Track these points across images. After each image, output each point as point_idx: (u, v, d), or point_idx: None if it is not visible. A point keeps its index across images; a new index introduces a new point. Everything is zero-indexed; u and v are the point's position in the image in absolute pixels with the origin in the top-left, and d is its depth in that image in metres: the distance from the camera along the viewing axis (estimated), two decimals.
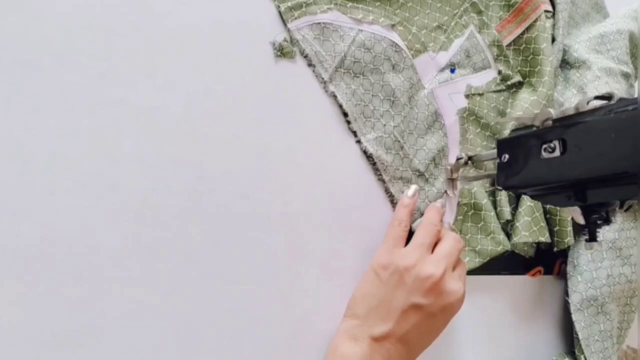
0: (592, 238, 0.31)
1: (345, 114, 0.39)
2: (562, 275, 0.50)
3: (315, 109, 0.39)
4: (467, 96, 0.45)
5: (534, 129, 0.33)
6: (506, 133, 0.45)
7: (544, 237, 0.45)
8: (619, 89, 0.50)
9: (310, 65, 0.38)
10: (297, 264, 0.36)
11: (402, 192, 0.41)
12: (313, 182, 0.38)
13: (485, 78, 0.47)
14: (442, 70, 0.44)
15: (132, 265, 0.31)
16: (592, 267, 0.48)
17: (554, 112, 0.31)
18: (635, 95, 0.53)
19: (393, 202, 0.41)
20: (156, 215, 0.32)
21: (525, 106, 0.46)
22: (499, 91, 0.48)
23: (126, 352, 0.30)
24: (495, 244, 0.43)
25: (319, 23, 0.38)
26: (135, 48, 0.32)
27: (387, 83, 0.41)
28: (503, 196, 0.45)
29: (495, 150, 0.36)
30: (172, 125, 0.33)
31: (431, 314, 0.34)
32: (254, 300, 0.35)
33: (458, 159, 0.42)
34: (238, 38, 0.36)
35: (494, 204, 0.45)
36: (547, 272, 0.50)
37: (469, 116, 0.45)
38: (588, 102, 0.29)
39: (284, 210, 0.36)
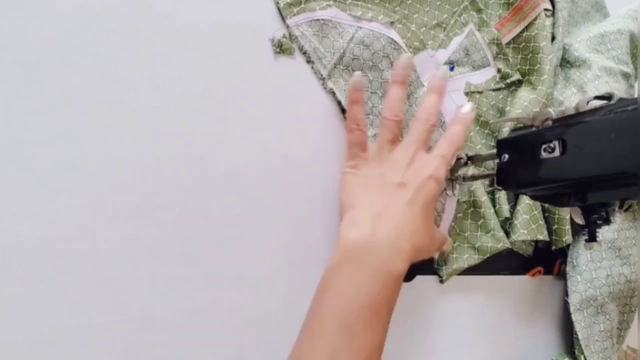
0: (592, 238, 0.31)
1: (343, 111, 0.39)
2: (562, 276, 0.50)
3: (314, 106, 0.38)
4: (466, 94, 0.45)
5: (534, 129, 0.33)
6: (506, 132, 0.45)
7: (542, 236, 0.45)
8: (619, 89, 0.50)
9: (309, 61, 0.38)
10: (297, 264, 0.36)
11: None
12: (313, 181, 0.38)
13: (485, 76, 0.47)
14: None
15: (132, 265, 0.31)
16: (591, 267, 0.48)
17: (553, 112, 0.31)
18: (635, 95, 0.53)
19: None
20: (156, 215, 0.32)
21: (525, 104, 0.46)
22: (499, 89, 0.48)
23: (126, 352, 0.30)
24: (495, 241, 0.43)
25: (318, 20, 0.38)
26: (135, 48, 0.32)
27: (385, 80, 0.40)
28: (502, 194, 0.45)
29: (495, 150, 0.36)
30: (172, 125, 0.33)
31: (416, 190, 0.34)
32: (254, 300, 0.35)
33: (458, 159, 0.42)
34: (238, 38, 0.36)
35: (493, 202, 0.45)
36: (547, 272, 0.50)
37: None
38: (588, 102, 0.29)
39: (284, 210, 0.36)
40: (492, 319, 0.47)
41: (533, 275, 0.49)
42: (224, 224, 0.34)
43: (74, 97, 0.30)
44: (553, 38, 0.51)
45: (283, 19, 0.37)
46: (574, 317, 0.48)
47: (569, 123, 0.30)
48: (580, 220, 0.31)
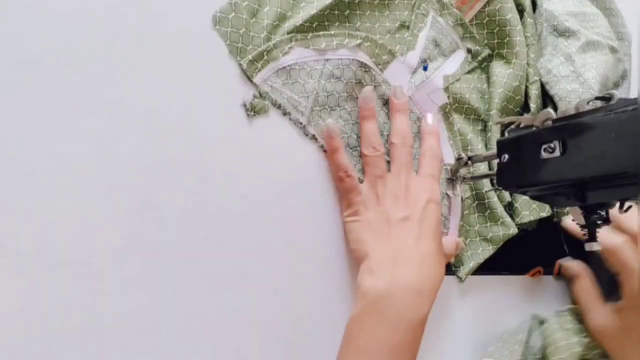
0: (592, 238, 0.31)
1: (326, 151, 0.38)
2: (562, 276, 0.50)
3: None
4: (445, 88, 0.45)
5: (534, 129, 0.33)
6: (496, 127, 0.45)
7: (545, 212, 0.45)
8: (607, 61, 0.49)
9: (285, 114, 0.37)
10: (297, 264, 0.36)
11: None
12: (313, 181, 0.38)
13: (457, 60, 0.46)
14: (415, 71, 0.44)
15: (132, 265, 0.31)
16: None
17: (553, 112, 0.31)
18: (634, 95, 0.53)
19: None
20: (156, 215, 0.32)
21: (504, 80, 0.46)
22: (473, 70, 0.47)
23: (126, 352, 0.30)
24: (505, 228, 0.43)
25: (284, 67, 0.37)
26: (135, 48, 0.32)
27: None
28: None
29: (495, 150, 0.36)
30: (172, 125, 0.33)
31: (421, 219, 0.35)
32: (254, 300, 0.35)
33: (458, 159, 0.42)
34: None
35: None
36: (547, 272, 0.50)
37: (452, 106, 0.45)
38: (588, 102, 0.29)
39: (284, 211, 0.36)
40: (492, 319, 0.47)
41: (533, 275, 0.49)
42: (224, 224, 0.34)
43: (74, 97, 0.30)
44: (520, 9, 0.50)
45: (249, 78, 0.36)
46: None
47: (569, 123, 0.30)
48: (580, 220, 0.31)
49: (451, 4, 0.46)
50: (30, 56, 0.29)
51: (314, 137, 0.38)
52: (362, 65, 0.40)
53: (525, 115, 0.47)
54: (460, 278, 0.43)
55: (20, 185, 0.28)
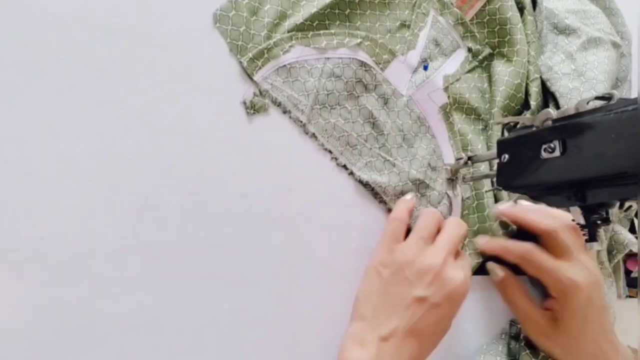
0: (592, 238, 0.31)
1: (329, 151, 0.39)
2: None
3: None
4: (446, 88, 0.45)
5: (534, 129, 0.33)
6: (497, 127, 0.45)
7: None
8: (610, 57, 0.49)
9: (285, 112, 0.37)
10: (297, 264, 0.36)
11: None
12: (313, 181, 0.38)
13: (458, 60, 0.46)
14: (416, 70, 0.44)
15: (132, 265, 0.31)
16: None
17: (554, 112, 0.31)
18: (634, 95, 0.53)
19: None
20: (156, 215, 0.32)
21: (506, 79, 0.46)
22: (473, 69, 0.47)
23: (126, 352, 0.30)
24: (505, 225, 0.44)
25: (284, 66, 0.37)
26: (135, 48, 0.32)
27: (363, 106, 0.40)
28: None
29: (495, 150, 0.36)
30: (172, 125, 0.33)
31: (436, 305, 0.34)
32: (254, 300, 0.35)
33: (458, 160, 0.42)
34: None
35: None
36: None
37: (452, 106, 0.45)
38: (588, 102, 0.29)
39: (284, 210, 0.36)
40: (492, 319, 0.47)
41: None
42: (224, 224, 0.34)
43: (74, 97, 0.30)
44: (521, 7, 0.50)
45: (249, 76, 0.36)
46: None
47: (569, 123, 0.30)
48: (580, 220, 0.31)
49: (452, 3, 0.46)
50: (30, 56, 0.29)
51: (314, 136, 0.38)
52: (363, 64, 0.40)
53: (525, 115, 0.47)
54: None
55: (20, 185, 0.28)
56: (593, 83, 0.46)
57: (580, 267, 0.38)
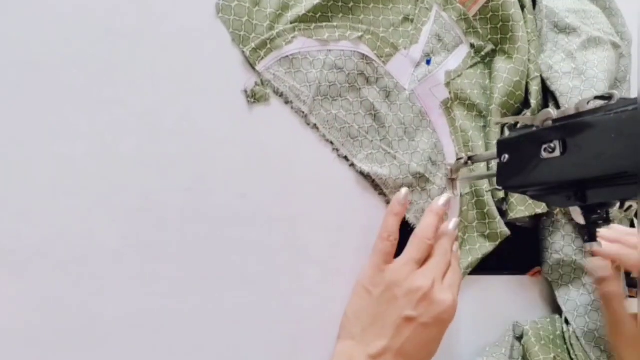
0: (592, 238, 0.31)
1: (331, 142, 0.39)
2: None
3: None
4: (447, 84, 0.45)
5: (534, 129, 0.33)
6: (496, 126, 0.45)
7: (541, 209, 0.45)
8: (609, 57, 0.49)
9: (287, 102, 0.37)
10: (297, 264, 0.36)
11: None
12: (313, 181, 0.38)
13: (460, 55, 0.46)
14: (419, 64, 0.44)
15: (132, 265, 0.31)
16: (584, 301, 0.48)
17: (554, 112, 0.31)
18: (634, 95, 0.53)
19: None
20: (156, 215, 0.32)
21: (505, 76, 0.46)
22: (475, 65, 0.47)
23: (126, 353, 0.30)
24: (503, 225, 0.44)
25: (287, 56, 0.37)
26: (135, 48, 0.32)
27: (365, 98, 0.40)
28: None
29: (495, 150, 0.36)
30: (172, 125, 0.33)
31: (424, 325, 0.34)
32: (253, 300, 0.35)
33: (458, 159, 0.42)
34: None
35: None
36: None
37: (454, 102, 0.45)
38: (588, 102, 0.29)
39: (284, 210, 0.36)
40: (492, 319, 0.47)
41: (533, 275, 0.49)
42: (224, 224, 0.34)
43: (74, 97, 0.30)
44: (521, 7, 0.50)
45: (252, 66, 0.36)
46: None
47: (569, 123, 0.30)
48: (580, 220, 0.31)
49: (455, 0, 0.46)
50: (30, 56, 0.29)
51: (315, 127, 0.38)
52: (364, 57, 0.40)
53: (526, 114, 0.47)
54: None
55: (20, 185, 0.28)
56: (593, 82, 0.46)
57: None
